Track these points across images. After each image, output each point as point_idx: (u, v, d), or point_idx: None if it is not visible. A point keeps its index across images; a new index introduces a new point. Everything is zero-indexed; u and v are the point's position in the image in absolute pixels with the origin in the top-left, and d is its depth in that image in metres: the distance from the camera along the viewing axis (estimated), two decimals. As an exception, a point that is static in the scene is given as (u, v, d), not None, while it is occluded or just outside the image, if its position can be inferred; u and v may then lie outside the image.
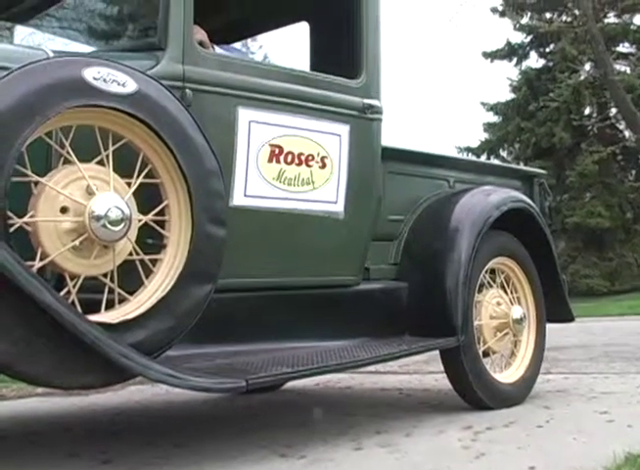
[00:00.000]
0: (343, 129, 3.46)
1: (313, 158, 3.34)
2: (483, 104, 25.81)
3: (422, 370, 5.94)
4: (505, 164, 8.44)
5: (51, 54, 2.69)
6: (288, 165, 3.25)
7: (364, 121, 3.58)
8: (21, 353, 2.27)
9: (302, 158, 3.30)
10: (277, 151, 3.20)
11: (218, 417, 4.26)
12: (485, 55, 25.90)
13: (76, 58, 2.56)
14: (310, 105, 3.35)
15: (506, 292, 4.14)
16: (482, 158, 24.87)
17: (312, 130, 3.34)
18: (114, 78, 2.50)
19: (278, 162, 3.21)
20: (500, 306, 4.03)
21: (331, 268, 3.53)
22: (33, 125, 2.32)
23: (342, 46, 3.80)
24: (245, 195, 3.11)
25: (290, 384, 5.05)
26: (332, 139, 3.41)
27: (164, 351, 2.58)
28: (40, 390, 5.27)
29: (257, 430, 3.63)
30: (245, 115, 3.10)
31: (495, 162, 20.83)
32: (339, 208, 3.48)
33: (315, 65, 4.07)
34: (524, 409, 3.89)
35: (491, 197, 4.05)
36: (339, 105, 3.47)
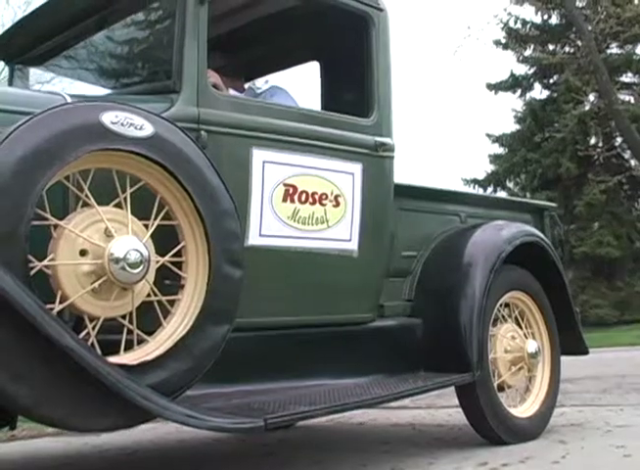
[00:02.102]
0: (356, 168, 3.49)
1: (327, 196, 3.37)
2: (489, 135, 25.84)
3: (434, 405, 5.90)
4: (516, 199, 8.50)
5: (68, 98, 2.73)
6: (302, 205, 3.27)
7: (376, 159, 3.61)
8: (41, 397, 2.27)
9: (316, 197, 3.33)
10: (291, 190, 3.23)
11: (233, 456, 4.24)
12: (490, 87, 25.97)
13: (94, 103, 2.59)
14: (323, 144, 3.38)
15: (520, 327, 4.13)
16: (489, 189, 24.89)
17: (326, 169, 3.37)
18: (131, 122, 2.53)
19: (292, 201, 3.24)
20: (515, 340, 4.03)
21: (346, 306, 3.54)
22: (53, 170, 2.34)
23: (353, 85, 3.84)
24: (260, 234, 3.13)
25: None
26: (345, 177, 3.44)
27: (183, 391, 2.58)
28: (51, 429, 5.23)
29: (272, 468, 3.62)
30: (259, 155, 3.13)
31: (505, 196, 20.80)
32: (353, 245, 3.49)
33: (326, 103, 4.11)
34: (539, 444, 3.86)
35: (503, 231, 4.07)
36: (351, 143, 3.50)
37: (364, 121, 3.62)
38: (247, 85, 4.10)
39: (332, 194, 3.39)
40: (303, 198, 3.28)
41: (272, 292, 3.22)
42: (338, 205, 3.41)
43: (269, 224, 3.16)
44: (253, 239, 3.11)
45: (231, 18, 3.87)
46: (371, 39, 3.69)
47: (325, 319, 3.44)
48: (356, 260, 3.52)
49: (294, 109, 3.45)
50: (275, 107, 3.37)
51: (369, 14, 3.67)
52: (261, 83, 4.08)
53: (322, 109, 3.96)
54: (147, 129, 2.56)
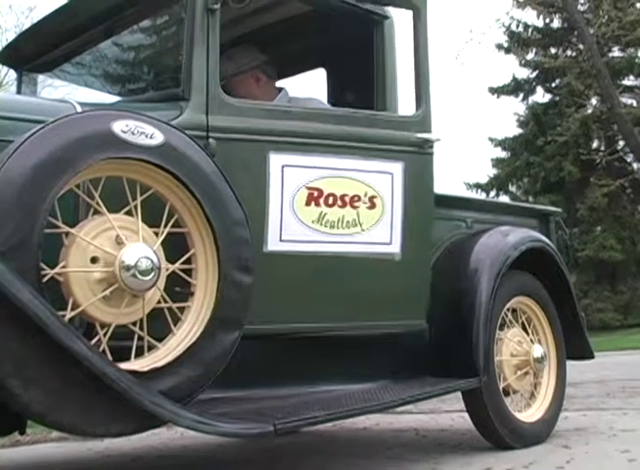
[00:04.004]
0: (395, 167, 3.45)
1: (360, 198, 3.33)
2: (491, 139, 25.88)
3: (437, 409, 5.88)
4: (521, 204, 8.51)
5: (78, 106, 2.75)
6: (329, 208, 3.21)
7: (419, 156, 3.61)
8: (54, 403, 2.30)
9: (346, 199, 3.27)
10: (316, 193, 3.17)
11: (236, 462, 4.22)
12: (492, 90, 26.02)
13: (105, 111, 2.61)
14: (353, 144, 3.35)
15: (527, 333, 4.13)
16: (492, 194, 24.91)
17: (356, 170, 3.32)
18: (141, 131, 2.55)
19: (317, 204, 3.18)
20: (522, 345, 4.02)
21: (391, 312, 3.50)
22: (65, 178, 2.36)
23: (360, 92, 3.84)
24: (280, 240, 3.10)
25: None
26: (381, 178, 3.40)
27: (193, 398, 2.60)
28: (55, 435, 5.24)
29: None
30: (277, 159, 3.09)
31: (509, 200, 20.81)
32: (394, 249, 3.46)
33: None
34: (543, 449, 3.84)
35: (509, 237, 4.05)
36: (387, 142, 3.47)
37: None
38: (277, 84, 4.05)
39: (366, 196, 3.35)
40: (330, 201, 3.21)
41: (295, 297, 3.18)
42: (373, 206, 3.40)
43: (290, 229, 3.12)
44: (273, 244, 3.08)
45: (237, 25, 3.88)
46: (377, 47, 3.68)
47: (367, 325, 3.42)
48: (399, 264, 3.49)
49: (314, 110, 3.41)
50: (293, 109, 3.34)
51: (376, 21, 3.68)
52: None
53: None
54: (157, 138, 2.58)
